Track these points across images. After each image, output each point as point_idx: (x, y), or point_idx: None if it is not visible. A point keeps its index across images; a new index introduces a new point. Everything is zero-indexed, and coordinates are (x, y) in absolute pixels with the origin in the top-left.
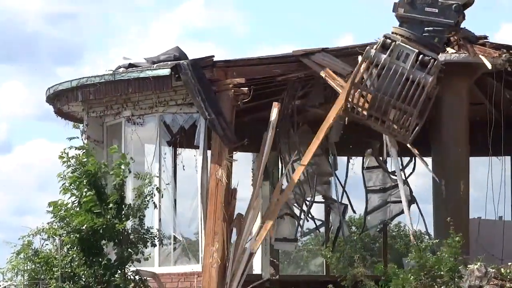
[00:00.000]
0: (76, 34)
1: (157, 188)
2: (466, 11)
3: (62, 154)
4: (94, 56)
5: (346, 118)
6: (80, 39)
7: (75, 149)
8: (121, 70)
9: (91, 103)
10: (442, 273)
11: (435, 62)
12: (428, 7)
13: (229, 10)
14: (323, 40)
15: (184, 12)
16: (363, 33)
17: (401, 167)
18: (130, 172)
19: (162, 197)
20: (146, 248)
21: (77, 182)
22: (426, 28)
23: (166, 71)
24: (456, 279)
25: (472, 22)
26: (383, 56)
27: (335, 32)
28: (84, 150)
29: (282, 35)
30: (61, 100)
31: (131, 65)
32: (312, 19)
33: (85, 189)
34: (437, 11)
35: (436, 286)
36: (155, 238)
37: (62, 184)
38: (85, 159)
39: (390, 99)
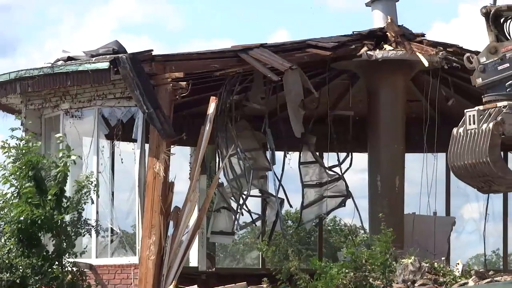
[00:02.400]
0: (10, 26)
1: (95, 186)
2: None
3: (3, 145)
4: (29, 48)
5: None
6: (15, 32)
7: (17, 140)
8: (59, 63)
9: (30, 96)
10: (374, 267)
11: None
12: (500, 65)
13: (163, 3)
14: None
15: (118, 6)
16: (296, 30)
17: (337, 163)
18: (75, 163)
19: (97, 194)
20: (83, 236)
21: (18, 173)
22: (507, 84)
23: (105, 65)
24: (387, 274)
25: (406, 19)
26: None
27: (270, 28)
28: (25, 142)
29: (216, 29)
30: (0, 92)
31: (70, 58)
32: (246, 14)
33: (25, 180)
34: (509, 64)
35: (369, 280)
36: (92, 228)
37: (2, 175)
38: (26, 151)
39: None
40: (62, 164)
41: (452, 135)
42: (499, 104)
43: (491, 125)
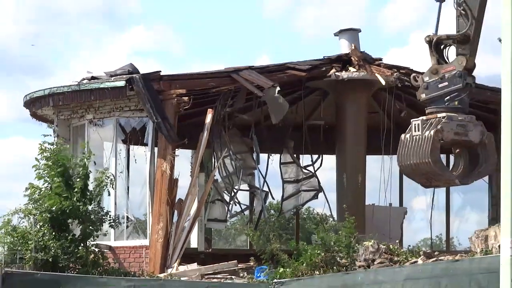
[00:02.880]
0: (41, 50)
1: (111, 180)
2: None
3: (41, 147)
4: (56, 69)
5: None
6: (44, 55)
7: (49, 144)
8: (85, 81)
9: (60, 108)
10: (340, 249)
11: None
12: (440, 84)
13: (168, 32)
14: (245, 59)
15: (131, 34)
16: (276, 55)
17: (311, 163)
18: (95, 164)
19: (114, 186)
20: (102, 225)
21: (49, 171)
22: (445, 99)
23: (121, 83)
24: (351, 254)
25: (367, 46)
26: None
27: (255, 53)
28: (57, 145)
29: (211, 54)
30: (36, 105)
31: (93, 77)
32: (236, 42)
33: (56, 177)
34: (447, 83)
35: (337, 259)
36: (113, 220)
37: (37, 172)
38: (56, 153)
39: None
40: (83, 164)
41: (401, 140)
42: (439, 115)
43: (432, 132)
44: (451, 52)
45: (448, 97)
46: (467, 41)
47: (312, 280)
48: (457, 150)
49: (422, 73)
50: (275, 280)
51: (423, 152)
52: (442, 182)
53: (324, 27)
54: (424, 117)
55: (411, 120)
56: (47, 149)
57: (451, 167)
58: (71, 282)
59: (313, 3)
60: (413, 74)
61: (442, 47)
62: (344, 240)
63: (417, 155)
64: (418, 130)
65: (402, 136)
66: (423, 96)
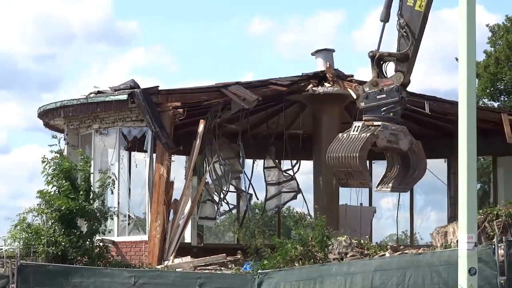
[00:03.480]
0: (54, 69)
1: (113, 180)
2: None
3: (43, 159)
4: (68, 85)
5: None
6: (57, 73)
7: (54, 153)
8: (92, 95)
9: (70, 119)
10: (315, 243)
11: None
12: (378, 95)
13: (164, 54)
14: (233, 76)
15: (132, 55)
16: (260, 72)
17: (291, 167)
18: (100, 171)
19: (117, 185)
20: (107, 221)
21: (57, 177)
22: (382, 109)
23: (124, 97)
24: (324, 248)
25: (339, 65)
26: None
27: (242, 71)
28: (60, 154)
29: (203, 72)
30: (48, 116)
31: (99, 92)
32: (224, 60)
33: (63, 181)
34: (385, 95)
35: (314, 252)
36: (114, 213)
37: (46, 178)
38: (62, 160)
39: None
40: (84, 168)
41: (337, 137)
42: (376, 123)
43: (368, 134)
44: (389, 67)
45: (385, 108)
46: (406, 60)
47: (293, 271)
48: (388, 154)
49: (364, 83)
50: (259, 271)
51: (354, 147)
52: (357, 182)
53: (302, 47)
54: (366, 122)
55: (354, 122)
56: (51, 159)
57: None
58: (79, 272)
59: (293, 24)
60: (355, 84)
61: (382, 62)
62: (317, 236)
63: (347, 149)
64: (356, 131)
65: (339, 134)
66: (363, 104)
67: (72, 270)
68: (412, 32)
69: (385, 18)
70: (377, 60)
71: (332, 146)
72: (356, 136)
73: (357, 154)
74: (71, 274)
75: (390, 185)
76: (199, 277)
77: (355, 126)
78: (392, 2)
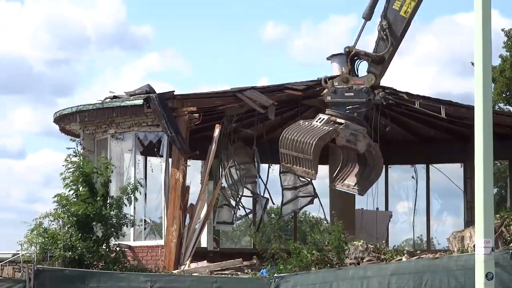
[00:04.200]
0: (69, 74)
1: (133, 191)
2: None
3: (67, 158)
4: (82, 90)
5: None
6: (72, 78)
7: (74, 156)
8: (107, 100)
9: (86, 124)
10: (330, 248)
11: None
12: (347, 92)
13: (179, 58)
14: (247, 81)
15: (146, 60)
16: (275, 77)
17: None
18: (112, 171)
19: (139, 193)
20: (127, 227)
21: (76, 181)
22: (347, 107)
23: (140, 102)
24: (340, 253)
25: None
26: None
27: (256, 76)
28: (81, 157)
29: (217, 76)
30: (64, 121)
31: (115, 97)
32: (239, 64)
33: (81, 186)
34: (353, 94)
35: (326, 258)
36: (130, 222)
37: (64, 182)
38: (82, 164)
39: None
40: (103, 174)
41: (297, 122)
42: (338, 120)
43: (331, 128)
44: (362, 66)
45: (351, 107)
46: (381, 62)
47: (309, 275)
48: (343, 150)
49: (360, 79)
50: (276, 275)
51: (312, 135)
52: (302, 170)
53: (316, 51)
54: (331, 117)
55: (319, 114)
56: (71, 162)
57: None
58: (96, 277)
59: (306, 29)
60: (324, 76)
61: (356, 59)
62: (334, 241)
63: (305, 135)
64: (320, 122)
65: (301, 121)
66: (329, 98)
67: (89, 275)
68: (393, 36)
69: (368, 16)
70: (352, 57)
71: (291, 128)
72: (318, 126)
73: (314, 142)
74: (87, 279)
75: (346, 182)
76: (215, 281)
77: (320, 118)
78: (378, 2)
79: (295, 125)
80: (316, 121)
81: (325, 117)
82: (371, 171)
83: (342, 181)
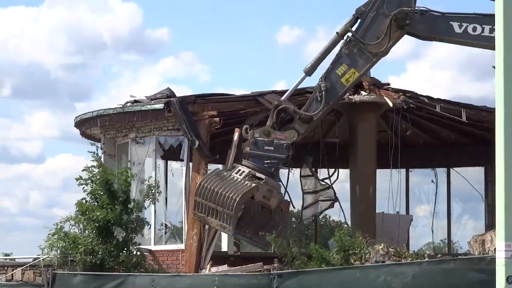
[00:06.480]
0: (86, 78)
1: (153, 194)
2: None
3: (86, 168)
4: (99, 95)
5: None
6: (89, 82)
7: (94, 161)
8: (128, 104)
9: (107, 128)
10: (355, 251)
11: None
12: (267, 146)
13: (196, 64)
14: (264, 85)
15: (163, 65)
16: (292, 81)
17: (328, 176)
18: (133, 177)
19: (155, 199)
20: (142, 233)
21: (97, 188)
22: (265, 161)
23: (160, 106)
24: (364, 256)
25: (373, 73)
26: None
27: (273, 80)
28: (101, 165)
29: (234, 80)
30: (85, 125)
31: (135, 101)
32: (255, 69)
33: (102, 192)
34: (273, 148)
35: (351, 260)
36: (147, 224)
37: (84, 189)
38: (104, 172)
39: None
40: (125, 180)
41: (217, 170)
42: (258, 174)
43: (253, 184)
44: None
45: (269, 161)
46: (308, 123)
47: (329, 273)
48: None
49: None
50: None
51: (236, 189)
52: (217, 223)
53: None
54: (245, 168)
55: (239, 165)
56: (92, 168)
57: None
58: (115, 281)
59: (322, 32)
60: (245, 126)
61: (283, 114)
62: (356, 245)
63: (227, 187)
64: (240, 176)
65: (221, 169)
66: (248, 149)
67: (108, 279)
68: (327, 100)
69: (309, 72)
70: (279, 111)
71: (209, 177)
72: (240, 180)
73: (238, 198)
74: (106, 283)
75: (248, 235)
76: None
77: (240, 171)
78: (323, 61)
79: (213, 174)
80: (236, 173)
81: (246, 170)
82: (275, 227)
83: (243, 231)
